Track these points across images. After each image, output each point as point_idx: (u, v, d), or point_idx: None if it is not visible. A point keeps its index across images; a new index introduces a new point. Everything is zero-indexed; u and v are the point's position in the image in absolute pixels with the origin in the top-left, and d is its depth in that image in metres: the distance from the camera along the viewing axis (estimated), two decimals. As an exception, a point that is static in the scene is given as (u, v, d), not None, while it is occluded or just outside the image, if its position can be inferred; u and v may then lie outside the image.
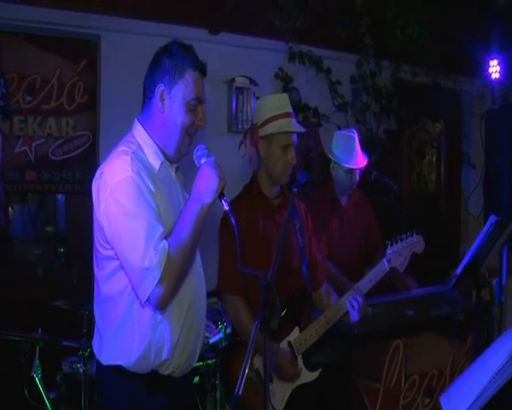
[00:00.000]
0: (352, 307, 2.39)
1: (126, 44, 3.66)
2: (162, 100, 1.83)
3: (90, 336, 2.42)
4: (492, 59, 4.64)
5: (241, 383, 1.60)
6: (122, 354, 1.83)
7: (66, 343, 2.70)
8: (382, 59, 4.33)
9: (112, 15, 3.59)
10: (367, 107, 4.48)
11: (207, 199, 1.75)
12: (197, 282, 1.96)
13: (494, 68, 4.66)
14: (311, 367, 2.48)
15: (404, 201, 5.03)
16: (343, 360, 2.92)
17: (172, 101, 1.83)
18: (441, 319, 3.32)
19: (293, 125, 2.44)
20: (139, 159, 1.80)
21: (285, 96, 2.52)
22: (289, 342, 2.45)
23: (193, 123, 1.87)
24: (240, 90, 4.06)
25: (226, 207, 1.78)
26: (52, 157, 3.54)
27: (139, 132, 1.87)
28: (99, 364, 1.91)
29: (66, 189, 3.61)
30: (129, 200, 1.71)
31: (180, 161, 1.96)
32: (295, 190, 2.20)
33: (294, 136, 2.44)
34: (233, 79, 4.03)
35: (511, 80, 4.66)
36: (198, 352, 2.01)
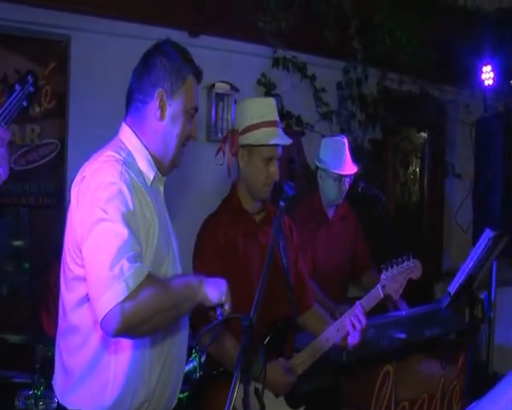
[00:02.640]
0: (353, 327, 2.08)
1: (99, 46, 3.35)
2: (161, 107, 1.59)
3: (43, 371, 2.09)
4: (485, 65, 4.40)
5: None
6: (94, 398, 1.51)
7: (17, 380, 2.31)
8: (370, 66, 4.10)
9: (83, 14, 3.26)
10: (352, 115, 4.24)
11: (210, 291, 1.47)
12: None
13: (487, 75, 4.42)
14: (293, 403, 2.18)
15: (390, 212, 4.80)
16: (329, 388, 2.65)
17: (173, 109, 1.60)
18: (433, 340, 3.08)
19: (279, 137, 2.12)
20: (130, 168, 1.52)
21: (271, 100, 2.20)
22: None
23: (189, 134, 1.65)
24: (220, 96, 3.78)
25: (219, 318, 1.48)
26: (15, 167, 3.17)
27: (129, 138, 1.61)
28: (62, 408, 1.57)
29: (29, 202, 3.25)
30: (110, 207, 1.41)
31: (170, 173, 1.70)
32: (282, 204, 1.88)
33: (279, 148, 2.13)
34: (213, 85, 3.75)
35: (504, 87, 4.44)
36: (178, 391, 1.71)
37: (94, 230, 1.40)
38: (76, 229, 1.48)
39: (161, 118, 1.60)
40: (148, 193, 1.55)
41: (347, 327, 2.10)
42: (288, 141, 2.14)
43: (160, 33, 3.24)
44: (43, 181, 3.24)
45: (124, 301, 1.31)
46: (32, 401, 2.35)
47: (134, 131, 1.61)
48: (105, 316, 1.32)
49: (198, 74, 1.67)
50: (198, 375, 2.52)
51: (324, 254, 3.12)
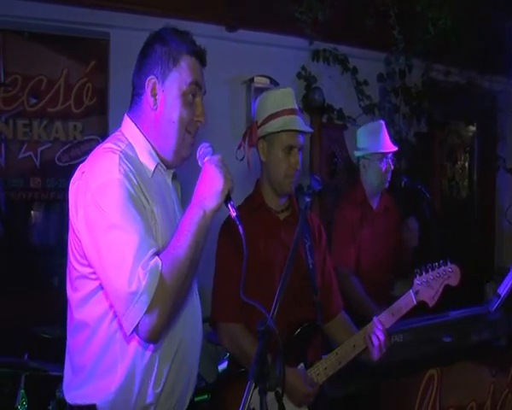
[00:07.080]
0: (372, 344, 1.89)
1: (138, 43, 3.18)
2: (154, 95, 1.45)
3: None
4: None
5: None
6: (97, 393, 1.42)
7: (54, 373, 2.23)
8: (413, 57, 3.81)
9: (122, 12, 3.19)
10: (396, 108, 3.96)
11: (211, 203, 1.35)
12: (191, 312, 1.55)
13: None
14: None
15: (436, 209, 4.48)
16: (367, 392, 2.42)
17: (166, 94, 1.46)
18: (481, 344, 2.79)
19: (298, 124, 1.94)
20: (129, 159, 1.41)
21: (289, 90, 2.02)
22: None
23: (192, 119, 1.48)
24: (259, 90, 3.55)
25: (233, 214, 1.37)
26: (58, 163, 3.18)
27: (130, 129, 1.50)
28: (65, 403, 1.50)
29: (73, 196, 3.24)
30: (114, 207, 1.32)
31: (180, 165, 1.55)
32: (308, 200, 1.71)
33: (301, 137, 1.95)
34: (252, 79, 3.59)
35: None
36: (189, 397, 1.59)
37: (104, 239, 1.32)
38: (77, 230, 1.39)
39: (154, 106, 1.46)
40: (147, 186, 1.42)
41: (371, 341, 1.90)
42: (307, 128, 1.98)
43: (198, 28, 3.15)
44: (85, 176, 3.21)
45: (147, 311, 1.28)
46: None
47: (135, 123, 1.50)
48: (135, 330, 1.31)
49: (198, 53, 1.49)
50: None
51: (370, 248, 2.91)
